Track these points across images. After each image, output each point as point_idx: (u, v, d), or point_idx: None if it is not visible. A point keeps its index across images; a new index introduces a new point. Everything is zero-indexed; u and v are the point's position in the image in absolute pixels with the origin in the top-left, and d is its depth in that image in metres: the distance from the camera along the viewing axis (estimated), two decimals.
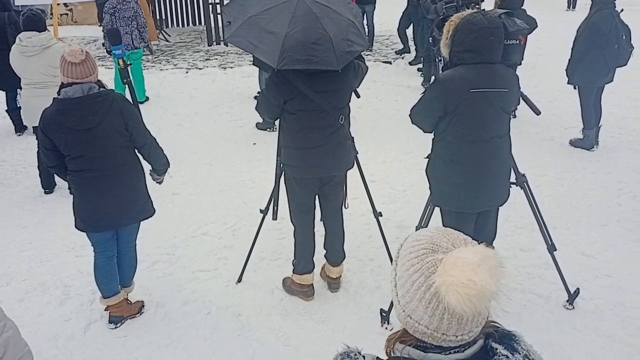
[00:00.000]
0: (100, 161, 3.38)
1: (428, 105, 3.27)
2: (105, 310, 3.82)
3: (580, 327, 3.68)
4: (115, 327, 3.78)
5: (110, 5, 7.98)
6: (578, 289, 3.92)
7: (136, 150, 3.57)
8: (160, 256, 4.59)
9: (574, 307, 3.85)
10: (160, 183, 3.88)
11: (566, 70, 6.39)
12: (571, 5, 17.57)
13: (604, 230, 4.86)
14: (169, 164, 3.76)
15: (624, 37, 6.14)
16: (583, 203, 5.35)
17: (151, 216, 3.74)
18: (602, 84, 6.39)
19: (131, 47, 7.98)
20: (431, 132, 3.38)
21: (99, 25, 15.15)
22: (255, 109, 3.83)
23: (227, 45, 12.16)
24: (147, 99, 8.59)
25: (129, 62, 5.87)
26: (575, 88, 6.49)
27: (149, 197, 3.71)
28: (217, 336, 3.70)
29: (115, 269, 3.73)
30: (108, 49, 8.16)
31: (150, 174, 3.75)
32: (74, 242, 4.66)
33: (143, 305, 3.96)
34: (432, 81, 8.66)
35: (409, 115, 3.44)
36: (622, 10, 6.18)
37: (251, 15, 3.39)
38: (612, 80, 6.38)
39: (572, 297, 3.87)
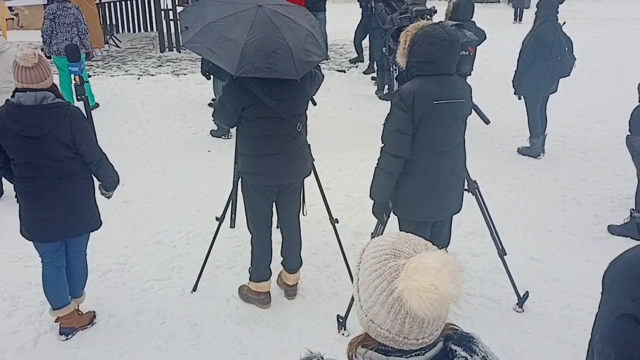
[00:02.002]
0: (45, 170, 3.29)
1: (399, 126, 3.19)
2: (55, 321, 3.71)
3: (529, 329, 3.80)
4: (66, 339, 3.67)
5: (50, 11, 7.79)
6: (527, 292, 4.05)
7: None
8: (112, 265, 4.49)
9: (523, 310, 3.97)
10: (109, 198, 3.78)
11: (513, 81, 6.60)
12: (517, 18, 18.19)
13: (551, 235, 5.03)
14: (118, 181, 3.67)
15: (566, 48, 6.40)
16: (531, 209, 5.53)
17: (97, 229, 3.65)
18: (547, 94, 6.63)
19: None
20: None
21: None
22: (212, 115, 3.81)
23: (180, 52, 12.05)
24: (97, 105, 8.41)
25: (85, 80, 5.78)
26: (520, 98, 6.71)
27: (97, 210, 3.63)
28: (171, 346, 3.64)
29: (64, 279, 3.63)
30: (47, 54, 7.93)
31: (99, 187, 3.65)
32: (22, 252, 4.52)
33: (95, 316, 3.86)
34: (387, 92, 8.82)
35: (384, 150, 3.29)
36: (564, 23, 6.44)
37: (210, 22, 3.37)
38: (556, 90, 6.63)
39: (522, 300, 3.99)
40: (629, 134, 4.72)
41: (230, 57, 3.24)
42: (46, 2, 13.00)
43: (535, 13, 6.60)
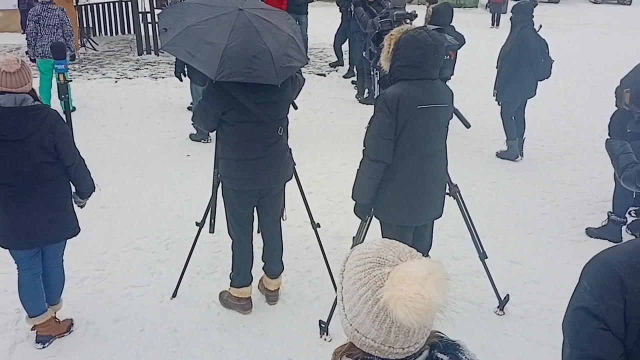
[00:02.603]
0: (23, 176, 3.21)
1: (381, 131, 3.18)
2: (31, 329, 3.62)
3: (510, 332, 3.82)
4: (43, 347, 3.59)
5: (34, 13, 7.66)
6: (508, 295, 4.07)
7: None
8: (90, 272, 4.41)
9: (504, 313, 3.99)
10: (82, 207, 3.70)
11: (496, 88, 6.64)
12: (495, 23, 18.42)
13: (530, 238, 5.08)
14: (94, 187, 3.60)
15: (546, 51, 6.51)
16: (510, 212, 5.58)
17: (75, 235, 3.58)
18: (528, 98, 6.71)
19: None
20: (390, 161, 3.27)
21: (22, 33, 14.56)
22: (192, 119, 3.78)
23: (158, 55, 11.95)
24: (74, 109, 8.28)
25: (69, 79, 5.70)
26: (499, 104, 6.78)
27: (75, 216, 3.56)
28: (151, 353, 3.58)
29: (41, 286, 3.55)
30: (32, 57, 7.84)
31: (73, 196, 3.58)
32: None
33: (72, 324, 3.78)
34: (367, 96, 8.83)
35: (365, 154, 3.28)
36: (540, 27, 6.53)
37: (189, 24, 3.33)
38: (535, 94, 6.71)
39: (503, 303, 4.01)
40: (608, 137, 4.79)
41: (210, 61, 3.21)
42: (17, 6, 12.83)
43: (511, 19, 6.67)
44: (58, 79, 5.43)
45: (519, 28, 6.41)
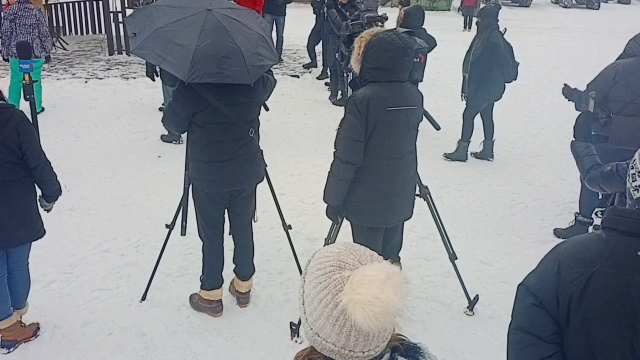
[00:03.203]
0: None
1: (351, 133, 3.19)
2: None
3: (479, 332, 3.86)
4: (8, 352, 3.51)
5: (10, 11, 7.50)
6: (477, 295, 4.12)
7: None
8: (57, 275, 4.33)
9: (474, 313, 4.04)
10: (48, 211, 3.63)
11: (464, 91, 6.70)
12: (467, 26, 18.63)
13: (500, 239, 5.14)
14: (60, 191, 3.54)
15: (514, 53, 6.63)
16: (480, 213, 5.64)
17: (40, 238, 3.51)
18: (495, 100, 6.80)
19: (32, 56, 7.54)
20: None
21: None
22: (162, 121, 3.74)
23: (129, 55, 11.79)
24: (43, 109, 8.14)
25: (35, 79, 5.57)
26: (467, 104, 6.85)
27: (40, 218, 3.49)
28: (119, 357, 3.53)
29: (6, 290, 3.47)
30: (4, 57, 7.68)
31: (39, 200, 3.51)
32: None
33: (38, 328, 3.71)
34: (340, 98, 8.86)
35: (336, 156, 3.29)
36: (505, 30, 6.64)
37: (158, 27, 3.29)
38: (501, 97, 6.80)
39: (472, 303, 4.05)
40: (573, 139, 4.88)
41: (181, 63, 3.18)
42: None
43: (477, 23, 6.75)
44: (23, 78, 5.32)
45: (488, 32, 6.50)
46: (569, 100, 5.15)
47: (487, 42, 6.46)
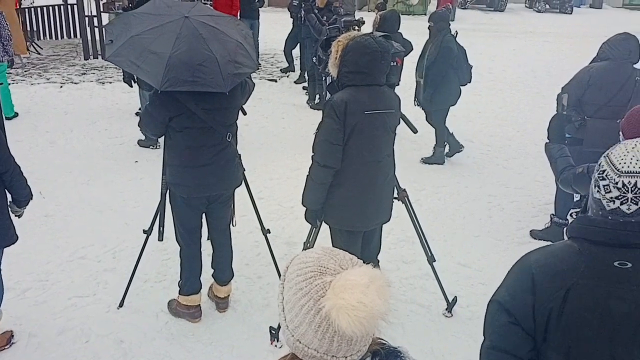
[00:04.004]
0: None
1: (329, 136, 3.19)
2: None
3: (458, 334, 3.89)
4: None
5: None
6: (456, 297, 4.15)
7: None
8: (32, 283, 4.26)
9: (452, 315, 4.07)
10: (19, 217, 3.56)
11: (423, 96, 6.67)
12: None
13: (477, 241, 5.19)
14: (31, 196, 3.48)
15: (466, 57, 6.71)
16: (458, 215, 5.69)
17: (13, 244, 3.45)
18: (452, 105, 6.83)
19: None
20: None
21: None
22: (139, 125, 3.71)
23: (105, 60, 11.67)
24: (17, 114, 8.01)
25: (1, 82, 5.48)
26: (425, 112, 6.88)
27: (11, 224, 3.42)
28: None
29: None
30: None
31: (9, 205, 3.44)
32: None
33: (12, 335, 3.64)
34: (318, 102, 8.87)
35: (314, 160, 3.28)
36: (456, 33, 6.71)
37: (134, 34, 3.28)
38: (456, 104, 6.85)
39: (451, 305, 4.08)
40: (547, 141, 4.94)
41: (154, 70, 3.17)
42: None
43: (430, 27, 6.78)
44: None
45: (441, 36, 6.55)
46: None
47: (441, 47, 6.48)
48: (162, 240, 3.91)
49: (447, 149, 7.11)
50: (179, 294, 3.86)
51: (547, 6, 26.94)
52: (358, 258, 1.29)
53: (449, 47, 6.43)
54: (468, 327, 3.95)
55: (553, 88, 5.30)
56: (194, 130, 3.45)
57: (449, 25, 6.69)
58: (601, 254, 1.54)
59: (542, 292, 1.56)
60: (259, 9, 11.27)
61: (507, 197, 6.18)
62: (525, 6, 27.72)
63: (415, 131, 3.86)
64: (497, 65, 13.36)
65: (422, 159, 7.07)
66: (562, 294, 1.53)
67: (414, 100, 6.94)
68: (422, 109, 6.86)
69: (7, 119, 7.30)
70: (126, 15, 3.57)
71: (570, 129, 4.57)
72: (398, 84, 6.98)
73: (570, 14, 26.07)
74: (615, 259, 1.52)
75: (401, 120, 3.59)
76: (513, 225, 5.52)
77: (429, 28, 6.78)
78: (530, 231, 5.33)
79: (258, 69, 3.72)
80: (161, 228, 3.86)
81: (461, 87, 6.74)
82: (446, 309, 4.08)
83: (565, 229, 1.77)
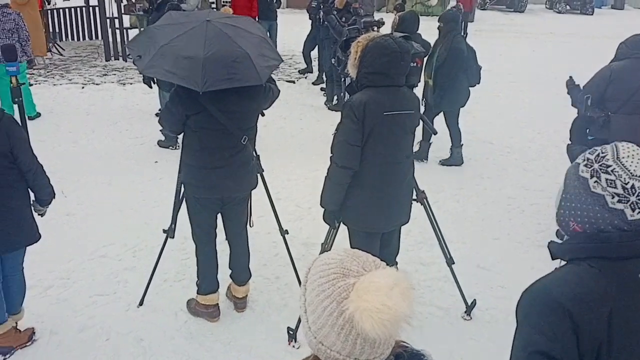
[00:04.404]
0: None
1: (348, 137, 3.19)
2: None
3: (477, 337, 3.86)
4: (4, 359, 3.50)
5: None
6: (475, 300, 4.12)
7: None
8: (54, 281, 4.32)
9: (471, 318, 4.04)
10: (42, 215, 3.62)
11: (433, 97, 6.62)
12: (462, 31, 18.68)
13: (497, 244, 5.15)
14: (54, 194, 3.53)
15: (477, 58, 6.67)
16: (477, 218, 5.65)
17: (36, 242, 3.50)
18: (462, 106, 6.78)
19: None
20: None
21: None
22: (158, 121, 3.76)
23: (125, 61, 11.81)
24: (39, 114, 8.14)
25: (22, 82, 5.57)
26: (434, 111, 6.83)
27: (34, 222, 3.48)
28: None
29: (0, 295, 3.46)
30: None
31: (32, 204, 3.50)
32: None
33: (34, 333, 3.69)
34: (336, 103, 8.87)
35: (332, 161, 3.29)
36: (466, 34, 6.66)
37: (162, 44, 3.32)
38: (464, 105, 6.79)
39: (470, 308, 4.06)
40: (569, 143, 4.89)
41: (192, 74, 3.20)
42: None
43: (439, 28, 6.74)
44: (10, 81, 5.32)
45: (451, 37, 6.50)
46: (567, 93, 5.16)
47: (451, 48, 6.43)
48: (173, 237, 3.95)
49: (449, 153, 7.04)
50: (197, 293, 3.89)
51: (568, 7, 26.66)
52: (379, 259, 1.28)
53: (459, 48, 6.39)
54: (487, 330, 3.92)
55: None
56: (209, 131, 3.47)
57: (459, 26, 6.64)
58: (624, 269, 1.48)
59: (585, 327, 1.43)
60: (277, 10, 11.34)
61: (527, 199, 6.12)
62: (546, 7, 27.46)
63: (434, 132, 3.84)
64: (517, 66, 13.25)
65: (440, 161, 7.04)
66: (606, 324, 1.43)
67: (422, 99, 6.89)
68: (429, 109, 6.82)
69: (30, 118, 7.41)
70: (148, 29, 3.65)
71: (594, 130, 4.52)
72: (417, 85, 6.98)
73: (592, 14, 25.76)
74: (638, 271, 1.47)
75: (420, 121, 3.57)
76: (533, 228, 5.46)
77: (438, 28, 6.76)
78: (557, 231, 5.26)
79: (283, 61, 3.75)
80: (173, 225, 3.90)
81: (470, 89, 6.68)
82: (465, 312, 4.05)
83: (561, 253, 1.64)
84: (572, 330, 1.43)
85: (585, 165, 1.56)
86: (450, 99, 6.57)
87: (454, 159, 6.95)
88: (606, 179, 1.50)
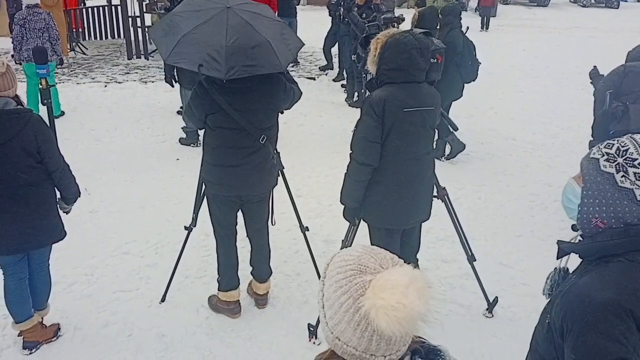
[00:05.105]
0: (7, 180, 3.18)
1: (368, 134, 3.18)
2: (18, 335, 3.60)
3: (499, 335, 3.82)
4: (30, 353, 3.56)
5: (20, 17, 7.63)
6: (497, 297, 4.08)
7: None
8: (78, 277, 4.38)
9: (493, 316, 4.00)
10: (67, 213, 3.67)
11: None
12: (484, 26, 18.50)
13: (519, 241, 5.09)
14: (79, 193, 3.58)
15: (474, 53, 6.53)
16: (499, 215, 5.59)
17: (61, 239, 3.56)
18: (454, 100, 6.68)
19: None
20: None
21: (11, 37, 14.48)
22: (182, 118, 3.80)
23: (147, 59, 11.93)
24: (63, 113, 8.26)
25: (51, 83, 5.67)
26: None
27: (60, 220, 3.53)
28: (139, 359, 3.56)
29: (27, 291, 3.52)
30: (17, 61, 7.80)
31: (58, 202, 3.55)
32: None
33: (59, 328, 3.75)
34: (356, 100, 8.85)
35: (352, 158, 3.28)
36: (467, 28, 6.57)
37: (185, 33, 3.33)
38: (462, 95, 6.70)
39: (492, 305, 4.02)
40: (592, 139, 4.83)
41: (215, 63, 3.21)
42: (7, 10, 12.76)
43: (439, 21, 6.67)
44: (40, 83, 5.42)
45: (446, 30, 6.42)
46: (590, 83, 5.08)
47: (444, 42, 6.35)
48: (195, 226, 3.99)
49: (448, 149, 6.95)
50: (218, 289, 3.92)
51: (593, 0, 26.25)
52: (399, 257, 1.28)
53: (451, 42, 6.27)
54: (509, 327, 3.89)
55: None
56: (227, 130, 3.48)
57: (459, 20, 6.55)
58: None
59: None
60: (296, 7, 11.35)
61: (550, 196, 6.04)
62: (570, 1, 27.07)
63: (455, 128, 3.81)
64: (540, 61, 13.09)
65: (443, 158, 6.86)
66: None
67: None
68: None
69: (55, 117, 7.52)
70: (168, 16, 3.62)
71: (614, 125, 4.46)
72: (434, 82, 6.92)
73: (617, 8, 25.34)
74: None
75: (441, 117, 3.54)
76: (556, 225, 5.39)
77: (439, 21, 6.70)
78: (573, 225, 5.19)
79: (304, 44, 3.76)
80: (194, 215, 3.95)
81: (465, 84, 6.59)
82: (487, 309, 4.02)
83: (591, 252, 1.60)
84: (636, 327, 1.42)
85: (607, 160, 1.54)
86: (440, 93, 6.48)
87: (454, 148, 6.78)
88: (634, 173, 1.49)
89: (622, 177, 1.50)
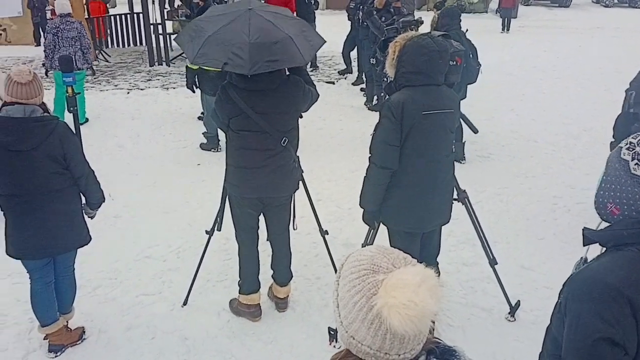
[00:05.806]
0: (34, 186, 3.25)
1: (387, 137, 3.19)
2: (44, 339, 3.66)
3: (522, 339, 3.79)
4: (56, 356, 3.63)
5: (53, 25, 7.80)
6: (519, 301, 4.04)
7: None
8: (102, 281, 4.45)
9: (515, 319, 3.97)
10: (92, 218, 3.74)
11: None
12: (505, 28, 18.38)
13: (542, 244, 5.04)
14: (104, 199, 3.65)
15: (471, 55, 6.42)
16: (521, 217, 5.55)
17: (87, 244, 3.62)
18: (461, 100, 6.60)
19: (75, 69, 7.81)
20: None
21: (36, 45, 14.77)
22: (204, 121, 3.86)
23: (169, 66, 12.07)
24: (87, 120, 8.39)
25: (77, 91, 5.79)
26: None
27: (85, 225, 3.60)
28: None
29: (53, 295, 3.59)
30: (48, 69, 7.96)
31: (83, 207, 3.62)
32: (10, 269, 4.45)
33: (84, 332, 3.82)
34: (376, 103, 8.85)
35: (371, 161, 3.29)
36: (467, 30, 6.50)
37: (209, 34, 3.43)
38: (466, 97, 6.62)
39: (514, 309, 3.98)
40: (613, 140, 4.78)
41: (240, 60, 3.29)
42: (21, 14, 12.99)
43: (436, 23, 6.64)
44: (66, 91, 5.53)
45: (443, 31, 6.38)
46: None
47: None
48: (220, 230, 4.03)
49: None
50: (239, 293, 3.95)
51: (615, 1, 25.88)
52: (416, 260, 1.29)
53: None
54: (532, 331, 3.84)
55: (621, 85, 5.09)
56: (249, 133, 3.52)
57: (458, 22, 6.49)
58: None
59: None
60: (315, 11, 11.39)
61: (573, 198, 5.98)
62: (592, 1, 26.74)
63: (475, 131, 3.79)
64: (562, 62, 12.95)
65: (462, 161, 6.78)
66: None
67: None
68: None
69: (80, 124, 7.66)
70: (193, 22, 3.76)
71: (638, 126, 4.40)
72: (454, 84, 6.89)
73: None
74: None
75: (461, 120, 3.53)
76: (579, 228, 5.28)
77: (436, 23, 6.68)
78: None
79: (326, 41, 3.82)
80: (218, 218, 3.98)
81: (478, 87, 6.53)
82: (509, 313, 3.98)
83: (604, 240, 1.61)
84: (632, 315, 1.45)
85: (628, 149, 1.58)
86: None
87: (457, 156, 6.70)
88: None
89: (635, 164, 1.53)
